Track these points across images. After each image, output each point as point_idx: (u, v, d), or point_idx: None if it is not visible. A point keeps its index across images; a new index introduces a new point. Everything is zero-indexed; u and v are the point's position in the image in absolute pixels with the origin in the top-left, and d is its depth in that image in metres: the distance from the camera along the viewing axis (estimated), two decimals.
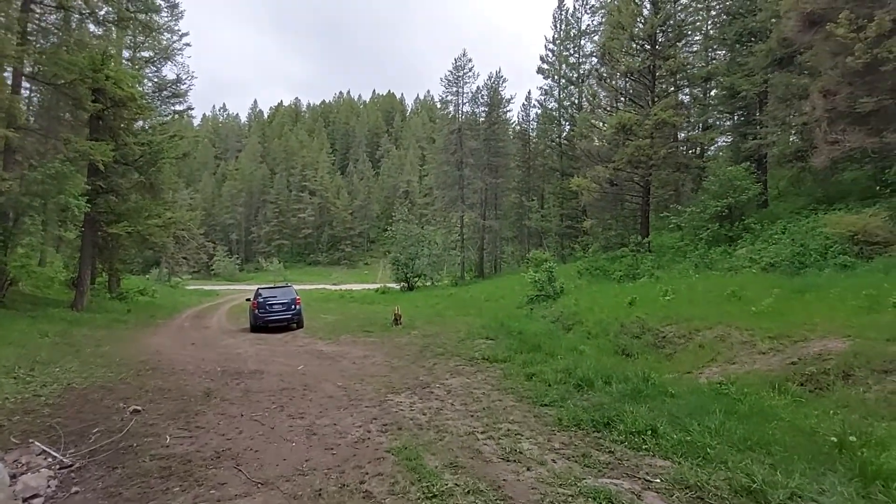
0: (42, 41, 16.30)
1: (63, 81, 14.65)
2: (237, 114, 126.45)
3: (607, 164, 26.19)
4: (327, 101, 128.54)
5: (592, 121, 27.38)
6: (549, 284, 20.71)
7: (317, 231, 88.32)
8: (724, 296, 12.97)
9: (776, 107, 22.22)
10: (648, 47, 26.74)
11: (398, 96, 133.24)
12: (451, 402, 5.41)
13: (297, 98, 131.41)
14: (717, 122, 30.84)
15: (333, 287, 50.69)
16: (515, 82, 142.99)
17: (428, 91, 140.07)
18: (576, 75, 42.04)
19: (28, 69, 14.95)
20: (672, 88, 28.99)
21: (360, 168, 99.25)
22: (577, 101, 41.98)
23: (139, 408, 5.19)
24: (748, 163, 22.75)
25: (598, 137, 28.76)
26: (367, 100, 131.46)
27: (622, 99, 28.37)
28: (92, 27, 20.54)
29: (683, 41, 27.72)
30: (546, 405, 4.97)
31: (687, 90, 29.30)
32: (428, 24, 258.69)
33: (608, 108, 27.86)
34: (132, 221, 17.52)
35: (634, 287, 19.55)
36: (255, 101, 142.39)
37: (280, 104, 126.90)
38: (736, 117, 26.91)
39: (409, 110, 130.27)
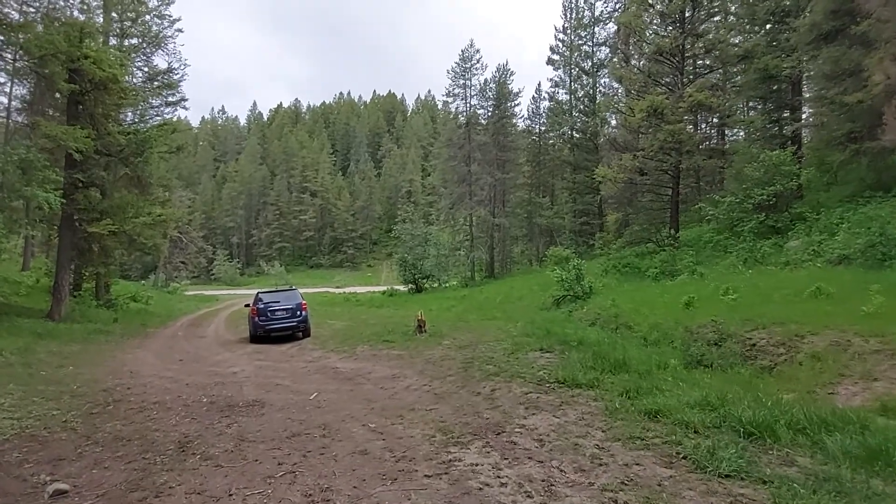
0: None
1: (32, 58, 12.77)
2: (236, 116, 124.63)
3: (635, 153, 24.27)
4: (327, 102, 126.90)
5: (619, 106, 25.39)
6: (578, 283, 18.92)
7: (318, 233, 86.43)
8: (806, 294, 11.06)
9: (823, 85, 20.31)
10: (677, 25, 24.85)
11: (399, 96, 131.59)
12: (556, 464, 3.46)
13: (296, 99, 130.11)
14: (740, 106, 29.00)
15: (337, 290, 48.85)
16: (520, 78, 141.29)
17: (429, 91, 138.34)
18: (589, 64, 40.19)
19: None
20: (704, 69, 27.16)
21: (361, 168, 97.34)
22: (591, 92, 40.11)
23: (65, 486, 3.25)
24: (792, 147, 20.99)
25: (622, 124, 26.83)
26: (368, 100, 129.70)
27: (647, 82, 26.37)
28: (76, 13, 18.78)
29: (712, 19, 25.82)
30: (729, 477, 3.02)
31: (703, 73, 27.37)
32: (427, 24, 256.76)
33: (634, 92, 25.87)
34: (116, 220, 15.59)
35: (676, 285, 17.64)
36: (255, 103, 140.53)
37: (279, 105, 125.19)
38: (767, 100, 24.98)
39: (410, 110, 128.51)
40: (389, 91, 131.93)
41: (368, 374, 7.34)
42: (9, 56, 16.52)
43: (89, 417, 5.05)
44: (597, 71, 39.83)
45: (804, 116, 22.71)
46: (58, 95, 17.51)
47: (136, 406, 5.57)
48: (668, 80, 26.36)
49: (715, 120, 30.77)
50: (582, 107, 41.20)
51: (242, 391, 6.37)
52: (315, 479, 3.44)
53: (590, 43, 40.21)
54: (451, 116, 46.00)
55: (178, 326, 18.16)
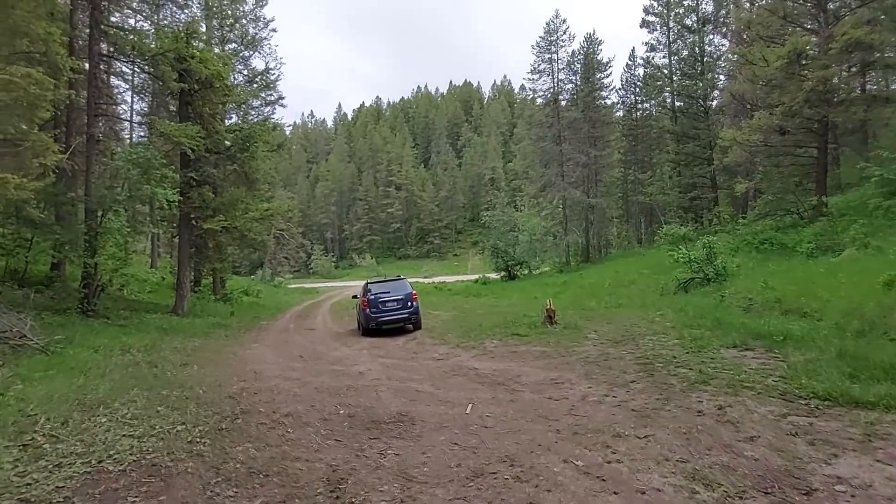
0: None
1: (144, 57, 13.11)
2: (324, 119, 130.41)
3: (772, 110, 20.62)
4: (406, 98, 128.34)
5: (748, 57, 21.60)
6: (710, 264, 16.25)
7: (405, 225, 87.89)
8: None
9: None
10: None
11: (475, 84, 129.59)
12: None
13: (377, 97, 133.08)
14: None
15: (427, 280, 48.55)
16: (607, 47, 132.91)
17: (504, 76, 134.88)
18: (693, 19, 35.67)
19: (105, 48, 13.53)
20: (843, 8, 22.51)
21: (442, 159, 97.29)
22: (696, 51, 35.58)
23: None
24: None
25: (749, 79, 23.01)
26: (445, 91, 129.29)
27: (782, 25, 22.30)
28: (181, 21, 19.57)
29: None
30: None
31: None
32: (499, 8, 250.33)
33: (767, 38, 21.96)
34: (228, 216, 15.87)
35: (846, 262, 14.25)
36: (340, 105, 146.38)
37: (362, 105, 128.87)
38: None
39: (487, 97, 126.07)
40: (465, 80, 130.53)
41: (518, 378, 6.01)
42: (125, 67, 17.53)
43: (218, 436, 4.22)
44: (703, 26, 35.18)
45: None
46: (171, 106, 18.43)
47: (268, 420, 4.70)
48: (804, 20, 22.19)
49: (853, 68, 25.48)
50: (686, 69, 36.76)
51: (381, 399, 5.32)
52: None
53: None
54: (533, 96, 43.36)
55: (287, 318, 18.30)
